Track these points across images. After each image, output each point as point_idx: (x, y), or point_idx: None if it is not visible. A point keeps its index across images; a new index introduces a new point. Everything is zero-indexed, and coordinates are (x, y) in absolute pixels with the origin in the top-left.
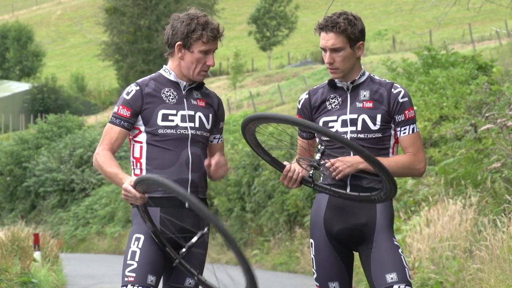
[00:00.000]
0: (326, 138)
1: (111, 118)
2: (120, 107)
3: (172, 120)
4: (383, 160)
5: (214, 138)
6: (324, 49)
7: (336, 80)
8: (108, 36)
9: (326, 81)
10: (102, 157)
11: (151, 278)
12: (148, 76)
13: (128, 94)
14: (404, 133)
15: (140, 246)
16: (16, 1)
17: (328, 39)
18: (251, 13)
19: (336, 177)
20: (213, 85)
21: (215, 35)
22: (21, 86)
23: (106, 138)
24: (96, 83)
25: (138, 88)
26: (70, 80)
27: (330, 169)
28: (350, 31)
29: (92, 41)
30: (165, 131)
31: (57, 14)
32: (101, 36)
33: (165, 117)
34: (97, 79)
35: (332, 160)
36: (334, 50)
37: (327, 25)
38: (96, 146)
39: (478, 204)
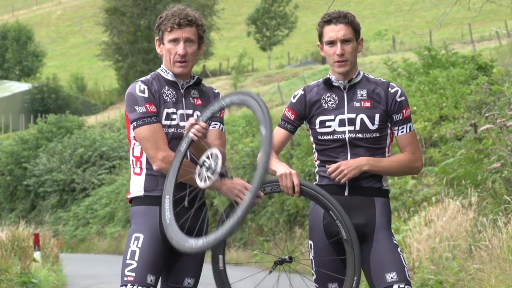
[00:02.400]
0: (323, 138)
1: (144, 120)
2: (147, 105)
3: (174, 119)
4: (385, 161)
5: (209, 124)
6: (333, 42)
7: (332, 79)
8: (108, 36)
9: (321, 80)
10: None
11: (150, 278)
12: (149, 75)
13: (143, 92)
14: (402, 132)
15: (139, 245)
16: (16, 1)
17: (339, 30)
18: (250, 13)
19: (341, 181)
20: (213, 85)
21: (179, 23)
22: (21, 86)
23: (159, 138)
24: (96, 83)
25: (146, 86)
26: (70, 80)
27: (333, 174)
28: (356, 24)
29: (92, 41)
30: (167, 130)
31: (57, 14)
32: (101, 36)
33: (167, 116)
34: (97, 79)
35: (336, 164)
36: (344, 41)
37: (335, 17)
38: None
39: (478, 204)
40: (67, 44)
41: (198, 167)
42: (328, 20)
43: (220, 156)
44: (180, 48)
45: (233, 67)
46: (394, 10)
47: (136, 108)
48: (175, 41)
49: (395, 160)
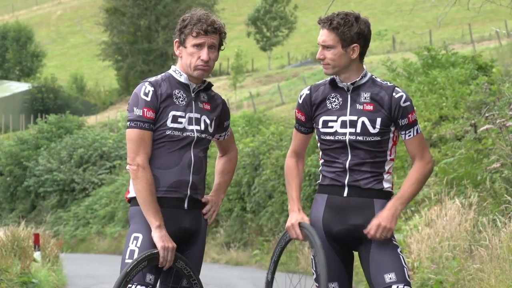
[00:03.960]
0: (325, 138)
1: (138, 123)
2: (145, 110)
3: (181, 122)
4: (407, 190)
5: (220, 136)
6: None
7: (337, 80)
8: (108, 36)
9: (328, 79)
10: (150, 178)
11: (149, 277)
12: (160, 76)
13: (146, 95)
14: (409, 136)
15: (138, 245)
16: (16, 1)
17: (321, 35)
18: (250, 14)
19: (388, 236)
20: (213, 85)
21: (206, 29)
22: (21, 86)
23: (143, 146)
24: (95, 83)
25: (153, 88)
26: (70, 80)
27: (378, 234)
28: (342, 30)
29: (92, 41)
30: (173, 132)
31: (57, 14)
32: (101, 36)
33: (174, 119)
34: (97, 79)
35: (375, 224)
36: (325, 47)
37: (323, 21)
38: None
39: (478, 204)
40: (67, 44)
41: None
42: (319, 23)
43: None
44: (204, 54)
45: (232, 67)
46: (394, 10)
47: (135, 109)
48: (199, 46)
49: (413, 182)
